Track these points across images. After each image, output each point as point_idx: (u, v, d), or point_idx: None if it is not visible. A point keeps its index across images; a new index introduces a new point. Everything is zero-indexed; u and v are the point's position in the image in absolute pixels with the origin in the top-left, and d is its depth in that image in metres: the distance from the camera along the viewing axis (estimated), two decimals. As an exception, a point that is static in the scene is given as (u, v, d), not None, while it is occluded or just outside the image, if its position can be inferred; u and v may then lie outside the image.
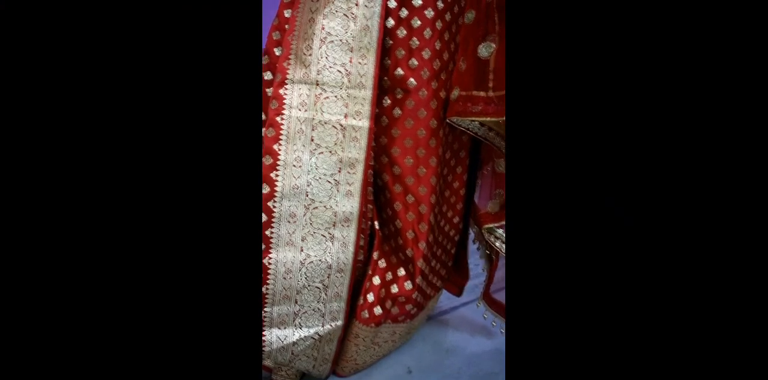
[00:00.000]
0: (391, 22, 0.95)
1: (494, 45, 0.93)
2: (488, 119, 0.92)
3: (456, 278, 1.29)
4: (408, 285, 1.02)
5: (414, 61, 0.95)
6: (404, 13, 0.95)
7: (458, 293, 1.32)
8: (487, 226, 1.08)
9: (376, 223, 1.03)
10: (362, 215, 0.97)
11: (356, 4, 0.91)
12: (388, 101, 0.98)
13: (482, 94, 0.93)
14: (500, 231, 1.07)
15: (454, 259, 1.23)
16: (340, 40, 0.91)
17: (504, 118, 0.91)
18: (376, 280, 1.02)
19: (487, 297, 1.20)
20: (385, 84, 0.97)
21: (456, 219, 1.15)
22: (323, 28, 0.91)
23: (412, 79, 0.96)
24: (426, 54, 0.96)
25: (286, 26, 0.95)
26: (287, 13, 0.96)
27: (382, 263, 1.03)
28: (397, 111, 0.97)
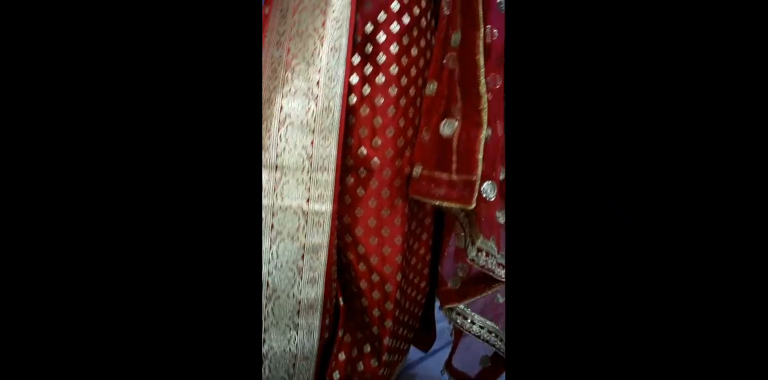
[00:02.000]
0: (354, 98, 0.92)
1: (457, 122, 0.89)
2: (453, 204, 0.89)
3: (423, 336, 1.28)
4: (374, 363, 1.01)
5: (378, 141, 0.93)
6: (367, 90, 0.92)
7: (426, 349, 1.31)
8: (447, 306, 1.03)
9: (341, 299, 1.01)
10: (327, 296, 0.94)
11: (317, 84, 0.88)
12: (352, 180, 0.95)
13: (445, 176, 0.89)
14: (461, 306, 1.03)
15: (420, 319, 1.22)
16: (301, 122, 0.88)
17: (471, 206, 0.87)
18: (342, 356, 1.00)
19: (449, 367, 1.18)
20: (348, 163, 0.94)
21: (423, 284, 1.13)
22: (282, 109, 0.87)
23: (375, 159, 0.93)
24: (390, 132, 0.93)
25: (243, 105, 0.90)
26: (244, 90, 0.92)
27: (347, 339, 1.01)
28: (361, 191, 0.94)
